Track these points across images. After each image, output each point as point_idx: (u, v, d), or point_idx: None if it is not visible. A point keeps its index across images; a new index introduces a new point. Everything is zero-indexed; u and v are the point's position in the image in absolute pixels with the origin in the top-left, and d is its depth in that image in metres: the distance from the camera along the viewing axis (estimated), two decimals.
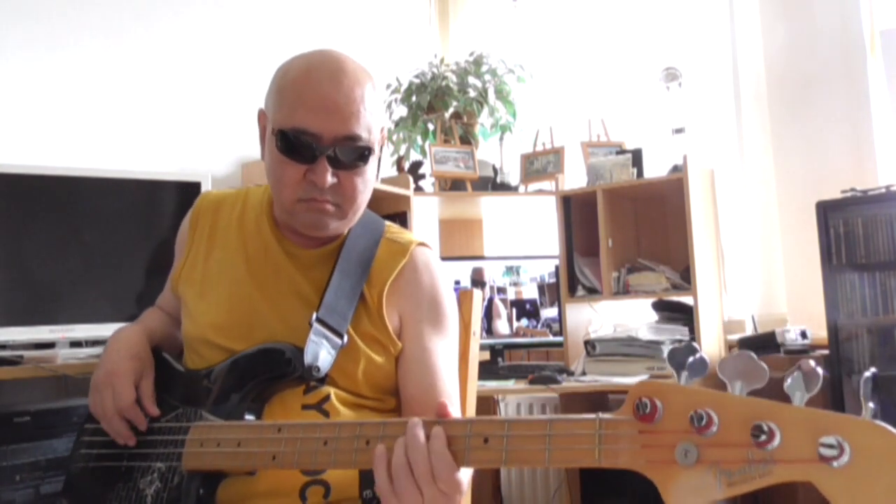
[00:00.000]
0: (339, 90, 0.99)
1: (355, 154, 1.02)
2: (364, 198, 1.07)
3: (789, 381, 0.61)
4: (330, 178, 1.01)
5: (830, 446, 0.57)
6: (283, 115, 1.01)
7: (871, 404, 0.58)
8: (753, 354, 0.63)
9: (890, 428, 0.56)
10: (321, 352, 1.01)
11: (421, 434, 0.78)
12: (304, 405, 1.05)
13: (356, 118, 1.00)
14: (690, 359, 0.67)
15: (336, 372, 1.04)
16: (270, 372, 1.02)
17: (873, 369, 0.60)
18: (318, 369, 1.00)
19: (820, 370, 0.61)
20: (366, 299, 1.09)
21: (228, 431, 0.95)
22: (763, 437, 0.59)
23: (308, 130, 0.99)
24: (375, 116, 1.04)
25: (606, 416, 0.70)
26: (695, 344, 0.68)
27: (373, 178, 1.08)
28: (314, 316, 1.02)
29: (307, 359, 0.99)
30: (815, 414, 0.59)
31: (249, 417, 1.01)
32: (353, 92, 1.00)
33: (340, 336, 1.03)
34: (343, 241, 1.12)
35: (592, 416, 0.70)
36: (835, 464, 0.57)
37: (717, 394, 0.64)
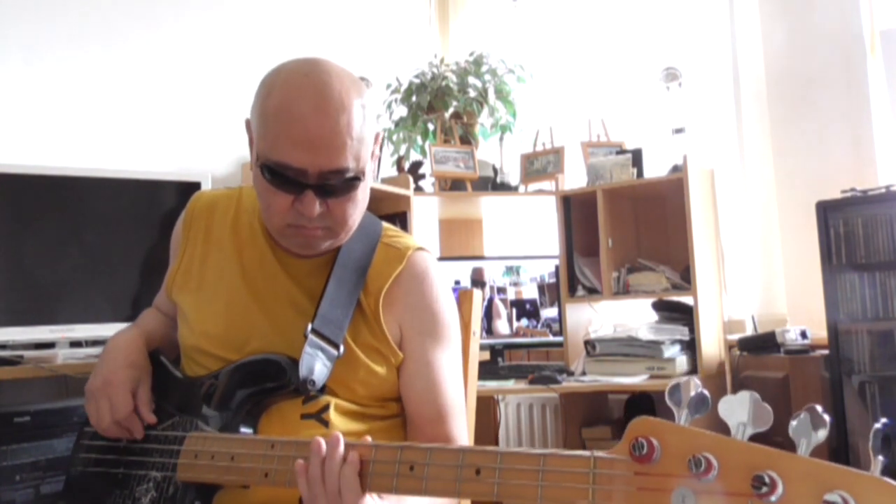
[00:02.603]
0: (323, 122, 0.94)
1: (343, 183, 0.98)
2: (356, 219, 1.04)
3: (795, 423, 0.58)
4: (318, 208, 0.97)
5: None
6: (267, 145, 0.96)
7: (880, 457, 0.55)
8: (757, 395, 0.60)
9: None
10: (316, 364, 0.99)
11: (338, 456, 0.83)
12: (303, 415, 1.03)
13: (342, 150, 0.95)
14: (692, 393, 0.63)
15: (334, 382, 1.03)
16: (266, 383, 1.01)
17: (884, 420, 0.57)
18: (314, 382, 0.98)
19: (827, 417, 0.58)
20: (363, 307, 1.07)
21: (223, 444, 0.95)
22: (765, 489, 0.57)
23: (292, 166, 0.95)
24: (365, 139, 0.99)
25: (601, 454, 0.67)
26: (696, 380, 0.64)
27: (365, 197, 1.04)
28: (309, 327, 1.00)
29: (302, 372, 0.98)
30: (820, 466, 0.56)
31: (246, 430, 1.00)
32: (338, 123, 0.94)
33: (336, 347, 1.02)
34: (339, 247, 1.09)
35: (587, 453, 0.68)
36: None
37: (718, 438, 0.61)
